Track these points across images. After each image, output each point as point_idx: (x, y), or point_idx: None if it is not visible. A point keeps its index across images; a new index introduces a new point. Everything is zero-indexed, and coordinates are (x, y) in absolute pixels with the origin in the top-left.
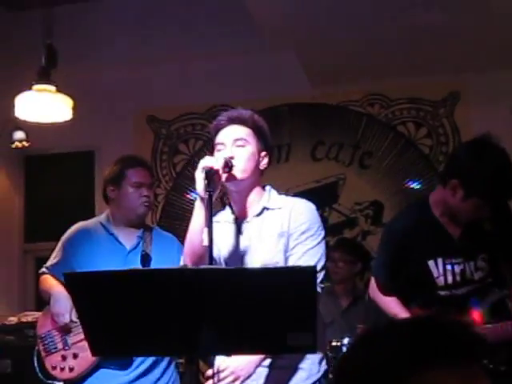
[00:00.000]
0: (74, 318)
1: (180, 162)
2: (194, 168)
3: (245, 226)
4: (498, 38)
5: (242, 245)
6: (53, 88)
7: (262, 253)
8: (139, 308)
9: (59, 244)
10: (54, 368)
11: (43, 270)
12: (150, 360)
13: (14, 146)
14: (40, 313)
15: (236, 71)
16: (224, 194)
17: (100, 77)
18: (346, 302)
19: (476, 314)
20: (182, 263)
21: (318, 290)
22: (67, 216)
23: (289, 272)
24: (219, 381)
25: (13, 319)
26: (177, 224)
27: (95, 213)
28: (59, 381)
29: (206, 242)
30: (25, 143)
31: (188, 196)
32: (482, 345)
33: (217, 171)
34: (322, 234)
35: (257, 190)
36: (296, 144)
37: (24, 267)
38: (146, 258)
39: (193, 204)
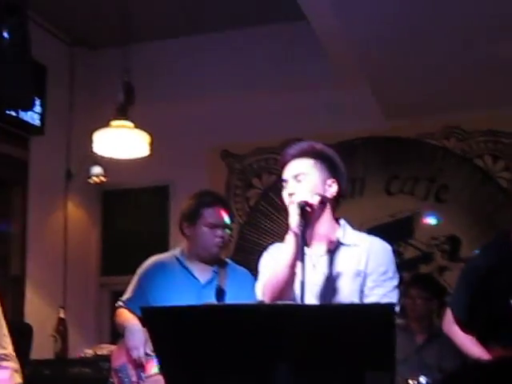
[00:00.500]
0: (149, 351)
1: (253, 196)
2: (267, 202)
3: (317, 260)
4: None
5: (316, 280)
6: (130, 124)
7: (338, 291)
8: (215, 344)
9: (135, 277)
10: None
11: (119, 303)
12: None
13: (91, 181)
14: (115, 346)
15: (310, 105)
16: None
17: (175, 112)
18: (421, 338)
19: None
20: (259, 298)
21: None
22: (142, 250)
23: (368, 309)
24: None
25: (89, 352)
26: (251, 259)
27: (169, 247)
28: None
29: (300, 277)
30: (102, 178)
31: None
32: None
33: (311, 206)
34: (398, 276)
35: (327, 222)
36: (370, 178)
37: (100, 300)
38: (220, 293)
39: (267, 238)
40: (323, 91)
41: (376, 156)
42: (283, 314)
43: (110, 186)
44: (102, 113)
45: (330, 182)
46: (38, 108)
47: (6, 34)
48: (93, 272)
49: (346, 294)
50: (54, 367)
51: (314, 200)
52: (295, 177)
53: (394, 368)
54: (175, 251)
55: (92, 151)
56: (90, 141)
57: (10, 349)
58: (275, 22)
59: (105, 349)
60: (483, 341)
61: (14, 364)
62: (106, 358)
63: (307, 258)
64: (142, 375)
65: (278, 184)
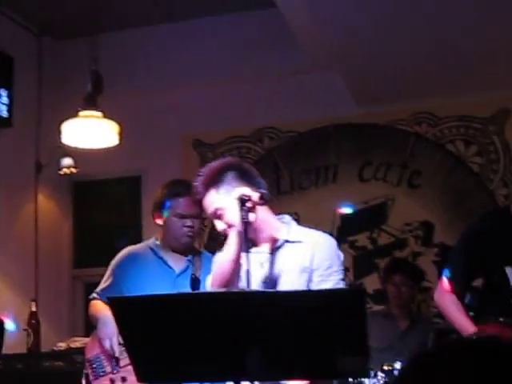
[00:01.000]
0: (122, 341)
1: None
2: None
3: (265, 259)
4: None
5: (263, 278)
6: (99, 114)
7: (284, 287)
8: (185, 332)
9: (109, 269)
10: None
11: (93, 295)
12: None
13: (62, 172)
14: (88, 338)
15: (281, 93)
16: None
17: (145, 102)
18: (404, 324)
19: None
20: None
21: None
22: (115, 241)
23: (339, 294)
24: None
25: (62, 345)
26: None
27: (142, 237)
28: None
29: (246, 267)
30: (73, 169)
31: None
32: None
33: (249, 198)
34: (343, 269)
35: (269, 223)
36: (343, 165)
37: (73, 293)
38: (195, 282)
39: None
40: (295, 79)
41: (348, 143)
42: (254, 301)
43: (80, 177)
44: (70, 103)
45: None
46: (5, 99)
47: None
48: (65, 264)
49: (293, 288)
50: (27, 361)
51: (254, 195)
52: (214, 215)
53: (368, 352)
54: (149, 241)
55: (61, 142)
56: (59, 132)
57: None
58: (247, 9)
59: (78, 342)
60: (476, 311)
61: None
62: (80, 351)
63: (255, 257)
64: (117, 365)
65: None
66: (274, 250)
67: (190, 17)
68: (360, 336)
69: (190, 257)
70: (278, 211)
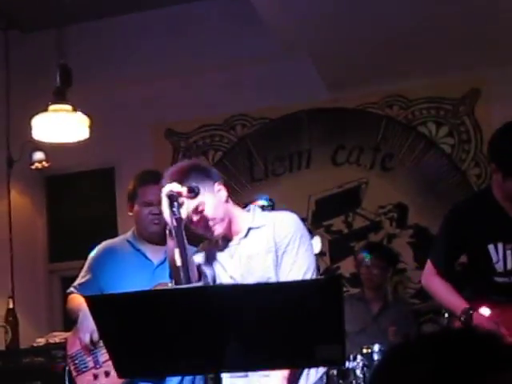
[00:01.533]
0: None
1: None
2: None
3: (234, 250)
4: None
5: (236, 267)
6: (69, 107)
7: (253, 271)
8: (163, 327)
9: (86, 263)
10: None
11: (71, 289)
12: None
13: (33, 167)
14: (68, 333)
15: (252, 79)
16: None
17: (116, 93)
18: (377, 307)
19: None
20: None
21: None
22: (90, 234)
23: (313, 284)
24: None
25: (40, 340)
26: (199, 237)
27: (118, 229)
28: None
29: (178, 263)
30: (44, 164)
31: None
32: None
33: (180, 194)
34: (307, 241)
35: (236, 217)
36: (316, 150)
37: (50, 287)
38: None
39: None
40: (265, 65)
41: (320, 128)
42: (231, 293)
43: (53, 171)
44: (40, 97)
45: (216, 189)
46: None
47: None
48: (41, 259)
49: (261, 271)
50: (6, 358)
51: (182, 189)
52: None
53: (344, 340)
54: (126, 234)
55: (32, 137)
56: (30, 126)
57: None
58: None
59: (57, 336)
60: (460, 288)
61: None
62: (59, 346)
63: (226, 251)
64: (100, 360)
65: (224, 160)
66: (241, 239)
67: (158, 6)
68: (337, 324)
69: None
70: (251, 198)
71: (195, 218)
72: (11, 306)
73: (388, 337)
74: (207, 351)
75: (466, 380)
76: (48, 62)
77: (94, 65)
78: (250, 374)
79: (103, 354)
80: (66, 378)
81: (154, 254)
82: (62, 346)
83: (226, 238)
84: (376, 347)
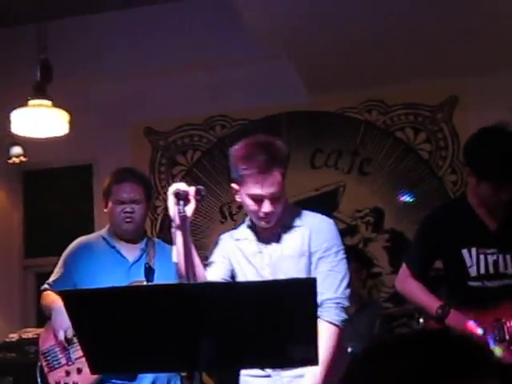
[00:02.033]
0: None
1: (179, 174)
2: (193, 179)
3: (266, 246)
4: (495, 40)
5: (264, 264)
6: (48, 103)
7: (285, 273)
8: (137, 324)
9: (61, 260)
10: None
11: (45, 286)
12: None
13: (11, 161)
14: (41, 329)
15: (232, 81)
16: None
17: (96, 90)
18: (352, 309)
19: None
20: None
21: (347, 303)
22: (66, 230)
23: (289, 284)
24: None
25: (13, 336)
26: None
27: (94, 226)
28: None
29: (174, 259)
30: (22, 158)
31: None
32: (492, 359)
33: (186, 193)
34: (343, 249)
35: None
36: (294, 152)
37: (24, 283)
38: (149, 271)
39: (192, 215)
40: (246, 66)
41: (300, 130)
42: (206, 292)
43: (30, 166)
44: (19, 92)
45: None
46: None
47: None
48: (16, 254)
49: (294, 274)
50: None
51: (190, 189)
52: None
53: (316, 341)
54: (101, 231)
55: (10, 131)
56: (9, 121)
57: None
58: None
59: (30, 332)
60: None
61: None
62: (32, 342)
63: (255, 246)
64: (72, 357)
65: (203, 160)
66: (274, 236)
67: (140, 4)
68: (310, 325)
69: (143, 245)
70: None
71: (268, 204)
72: None
73: (363, 338)
74: (181, 349)
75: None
76: (28, 57)
77: (75, 61)
78: (275, 373)
79: (76, 351)
80: (38, 374)
81: (129, 252)
82: (35, 341)
83: (258, 230)
84: (349, 349)
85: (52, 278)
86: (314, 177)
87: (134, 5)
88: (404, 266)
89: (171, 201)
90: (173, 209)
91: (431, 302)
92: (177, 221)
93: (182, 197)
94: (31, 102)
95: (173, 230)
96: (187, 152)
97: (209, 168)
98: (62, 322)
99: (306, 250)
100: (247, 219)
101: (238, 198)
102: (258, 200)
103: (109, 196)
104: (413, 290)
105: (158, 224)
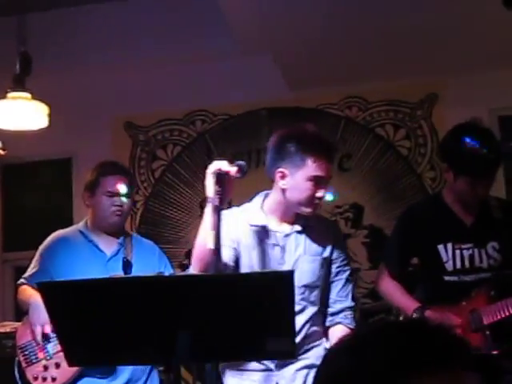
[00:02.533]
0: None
1: (158, 168)
2: (173, 174)
3: (286, 240)
4: (473, 40)
5: (282, 260)
6: (28, 95)
7: (305, 274)
8: (115, 316)
9: (37, 254)
10: (36, 379)
11: (21, 280)
12: (134, 367)
13: None
14: (19, 323)
15: (213, 76)
16: None
17: (76, 83)
18: None
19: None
20: (191, 270)
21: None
22: (45, 224)
23: (266, 277)
24: None
25: None
26: (156, 230)
27: (73, 220)
28: None
29: (211, 245)
30: (1, 151)
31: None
32: (469, 350)
33: (227, 173)
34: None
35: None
36: None
37: (2, 277)
38: (127, 265)
39: (172, 210)
40: (227, 61)
41: (281, 126)
42: (183, 284)
43: (9, 159)
44: None
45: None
46: None
47: None
48: None
49: (312, 277)
50: None
51: (231, 168)
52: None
53: (294, 333)
54: (79, 225)
55: None
56: None
57: None
58: None
59: (8, 326)
60: (411, 290)
61: None
62: (10, 336)
63: (273, 237)
64: (50, 351)
65: (183, 155)
66: (295, 232)
67: None
68: (287, 317)
69: (121, 240)
70: None
71: (324, 189)
72: None
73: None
74: (158, 341)
75: (412, 370)
76: (7, 49)
77: (55, 54)
78: (276, 368)
79: (54, 346)
80: (16, 369)
81: (107, 246)
82: (13, 336)
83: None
84: (327, 344)
85: (28, 273)
86: None
87: None
88: (382, 265)
89: (210, 180)
90: (212, 188)
91: (408, 304)
92: (216, 201)
93: (222, 177)
94: (10, 95)
95: (207, 209)
96: (167, 146)
97: (189, 163)
98: (40, 318)
99: (328, 257)
100: (259, 204)
101: (281, 185)
102: (317, 183)
103: (95, 188)
104: (391, 291)
105: (138, 218)
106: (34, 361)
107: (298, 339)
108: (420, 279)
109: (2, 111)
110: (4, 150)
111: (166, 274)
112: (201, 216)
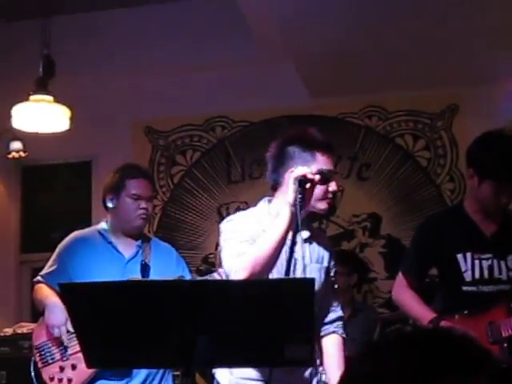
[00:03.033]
0: (70, 329)
1: (177, 174)
2: (191, 179)
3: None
4: (495, 50)
5: (294, 267)
6: (50, 98)
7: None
8: (136, 319)
9: (55, 253)
10: (52, 379)
11: (38, 278)
12: (149, 370)
13: (10, 156)
14: (35, 324)
15: (234, 82)
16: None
17: (98, 87)
18: (345, 314)
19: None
20: (215, 275)
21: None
22: (64, 226)
23: (287, 284)
24: None
25: (7, 330)
26: (173, 235)
27: (92, 223)
28: None
29: (285, 255)
30: (22, 153)
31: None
32: (492, 360)
33: (311, 181)
34: None
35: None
36: None
37: (20, 278)
38: (145, 268)
39: (190, 215)
40: (248, 68)
41: None
42: (204, 289)
43: (30, 161)
44: (21, 87)
45: None
46: None
47: None
48: (12, 249)
49: (318, 287)
50: None
51: (315, 176)
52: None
53: (313, 341)
54: (98, 226)
55: (11, 126)
56: (9, 115)
57: None
58: None
59: (24, 327)
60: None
61: None
62: (26, 337)
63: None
64: (67, 352)
65: (202, 161)
66: (304, 238)
67: (144, 3)
68: (307, 326)
69: (139, 242)
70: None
71: (332, 184)
72: None
73: (355, 343)
74: (177, 345)
75: (437, 379)
76: (32, 52)
77: (78, 57)
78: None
79: (71, 347)
80: (32, 369)
81: (126, 248)
82: (29, 336)
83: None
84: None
85: (46, 271)
86: None
87: (139, 3)
88: (400, 274)
89: (292, 185)
90: (293, 194)
91: (424, 314)
92: (292, 206)
93: (303, 183)
94: (33, 97)
95: (282, 213)
96: (186, 152)
97: (208, 169)
98: (56, 319)
99: (326, 266)
100: (265, 208)
101: (291, 182)
102: (327, 179)
103: (120, 190)
104: (407, 301)
105: (156, 223)
106: (50, 361)
107: None
108: (438, 289)
109: (24, 113)
110: (25, 151)
111: (186, 278)
112: (218, 222)
